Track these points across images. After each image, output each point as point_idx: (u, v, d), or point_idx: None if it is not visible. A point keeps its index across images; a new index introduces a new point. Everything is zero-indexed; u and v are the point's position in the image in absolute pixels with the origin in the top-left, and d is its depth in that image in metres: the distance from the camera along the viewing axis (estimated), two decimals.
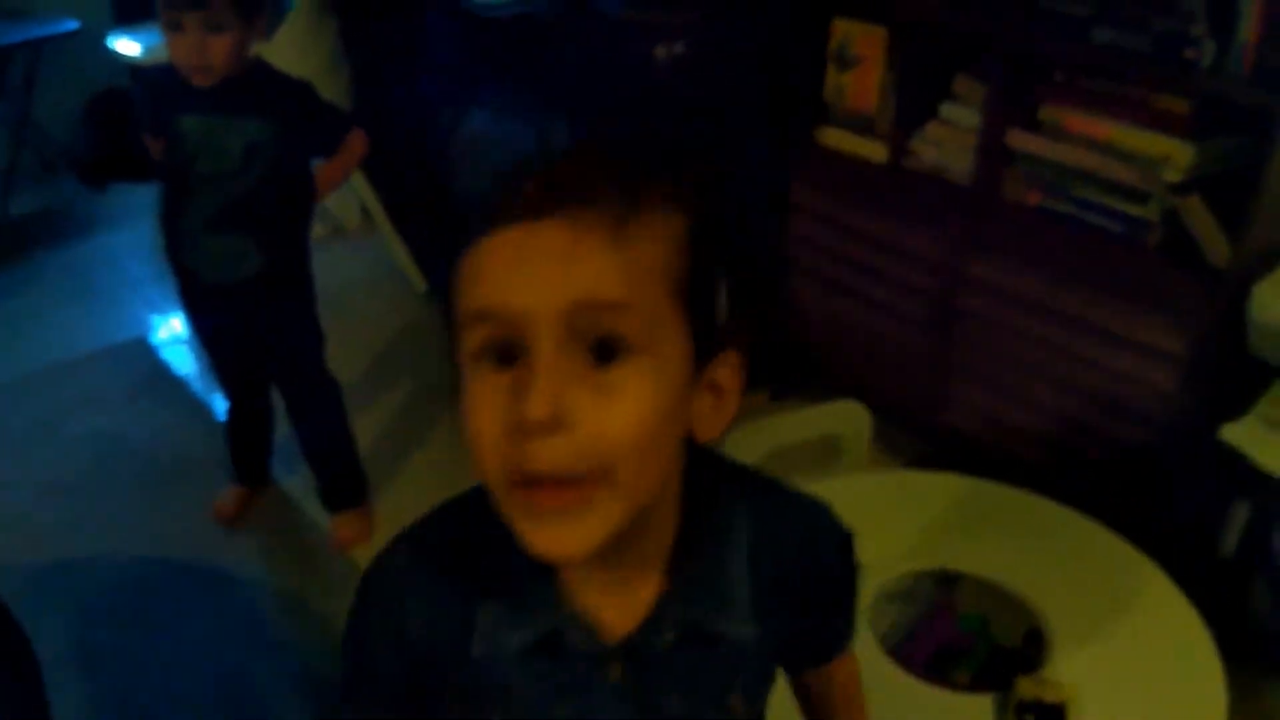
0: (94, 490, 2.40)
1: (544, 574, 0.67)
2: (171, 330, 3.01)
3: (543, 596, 0.68)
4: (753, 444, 1.66)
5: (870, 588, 1.47)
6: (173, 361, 2.87)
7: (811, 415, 1.78)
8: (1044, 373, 2.03)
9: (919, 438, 2.27)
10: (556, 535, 0.60)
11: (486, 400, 0.59)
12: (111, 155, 3.96)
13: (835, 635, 0.85)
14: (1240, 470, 1.54)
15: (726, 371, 0.67)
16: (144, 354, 2.92)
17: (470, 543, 0.69)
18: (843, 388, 1.98)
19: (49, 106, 3.87)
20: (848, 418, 1.76)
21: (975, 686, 1.49)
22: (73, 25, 3.67)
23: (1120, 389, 1.91)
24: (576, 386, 0.58)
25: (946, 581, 1.63)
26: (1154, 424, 1.87)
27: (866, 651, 1.37)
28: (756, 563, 0.72)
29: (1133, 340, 1.86)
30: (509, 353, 0.59)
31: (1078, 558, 1.55)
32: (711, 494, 0.71)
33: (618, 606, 0.69)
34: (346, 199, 3.38)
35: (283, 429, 2.23)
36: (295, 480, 2.31)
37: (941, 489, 1.68)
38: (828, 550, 0.78)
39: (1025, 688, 1.24)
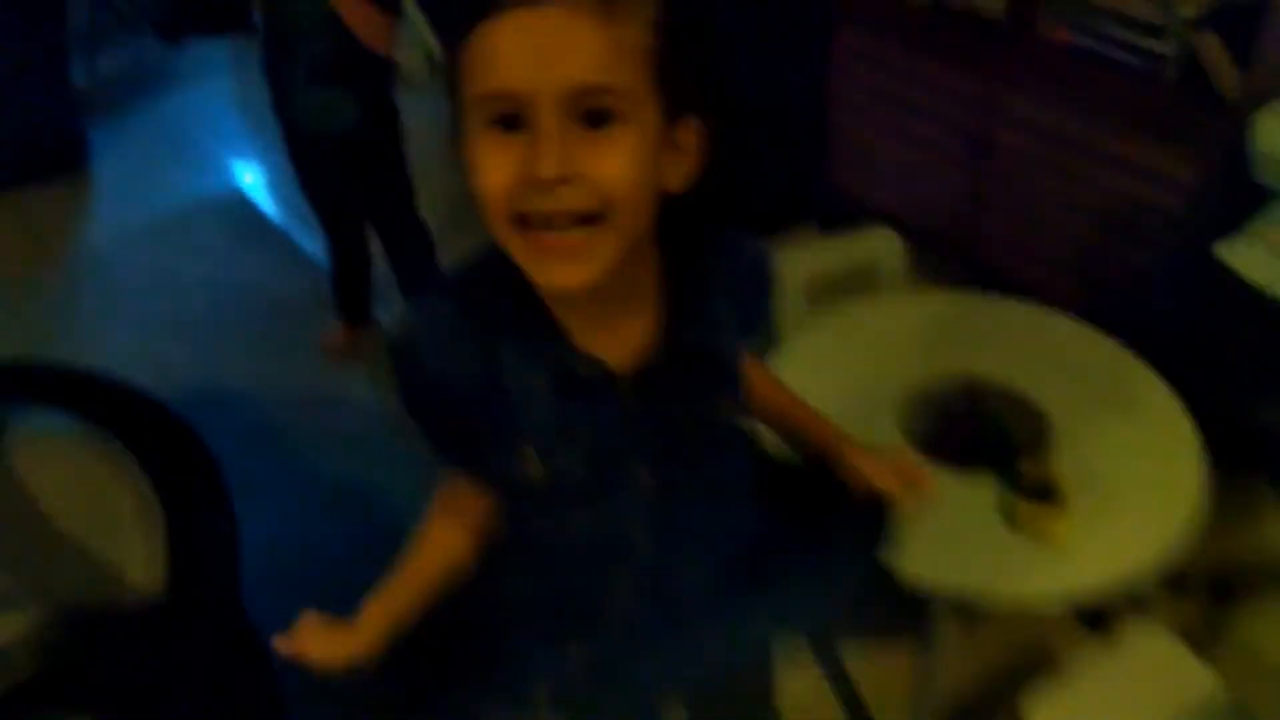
0: (212, 329, 2.72)
1: (551, 320, 0.82)
2: (266, 181, 3.27)
3: (551, 337, 0.82)
4: (796, 269, 1.89)
5: (901, 392, 1.71)
6: (270, 210, 3.14)
7: (849, 243, 1.98)
8: (1067, 201, 2.21)
9: (954, 265, 2.48)
10: (565, 270, 0.74)
11: (497, 160, 0.73)
12: (185, 11, 4.15)
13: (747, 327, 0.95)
14: (1233, 285, 1.74)
15: (688, 134, 0.80)
16: (243, 204, 3.19)
17: (482, 293, 0.82)
18: (883, 220, 2.19)
19: None
20: (883, 245, 1.97)
21: None
22: None
23: (1138, 216, 2.09)
24: (576, 147, 0.71)
25: (971, 389, 1.87)
26: (1164, 246, 2.06)
27: (891, 440, 1.63)
28: (745, 287, 0.91)
29: (1148, 168, 2.04)
30: (514, 122, 0.72)
31: (1088, 369, 1.77)
32: (689, 239, 0.86)
33: (617, 341, 0.84)
34: (413, 53, 3.55)
35: (381, 271, 2.49)
36: (394, 315, 2.59)
37: (969, 308, 1.90)
38: (767, 278, 0.96)
39: (1025, 465, 1.49)
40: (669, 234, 0.84)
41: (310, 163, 2.29)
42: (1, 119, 3.16)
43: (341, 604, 0.98)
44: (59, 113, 3.29)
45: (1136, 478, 1.57)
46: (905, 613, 1.64)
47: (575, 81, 0.71)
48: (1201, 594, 1.87)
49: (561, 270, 0.75)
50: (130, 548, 1.50)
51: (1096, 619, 1.84)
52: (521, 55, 0.70)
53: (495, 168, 0.73)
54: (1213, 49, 1.91)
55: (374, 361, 2.56)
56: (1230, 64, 1.90)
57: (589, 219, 0.73)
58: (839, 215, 2.76)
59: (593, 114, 0.72)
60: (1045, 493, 1.45)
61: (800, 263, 1.91)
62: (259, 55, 2.16)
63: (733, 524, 0.99)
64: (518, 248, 0.75)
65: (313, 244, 2.89)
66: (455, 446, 0.91)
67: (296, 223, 3.03)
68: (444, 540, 1.01)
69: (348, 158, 2.21)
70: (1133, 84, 2.04)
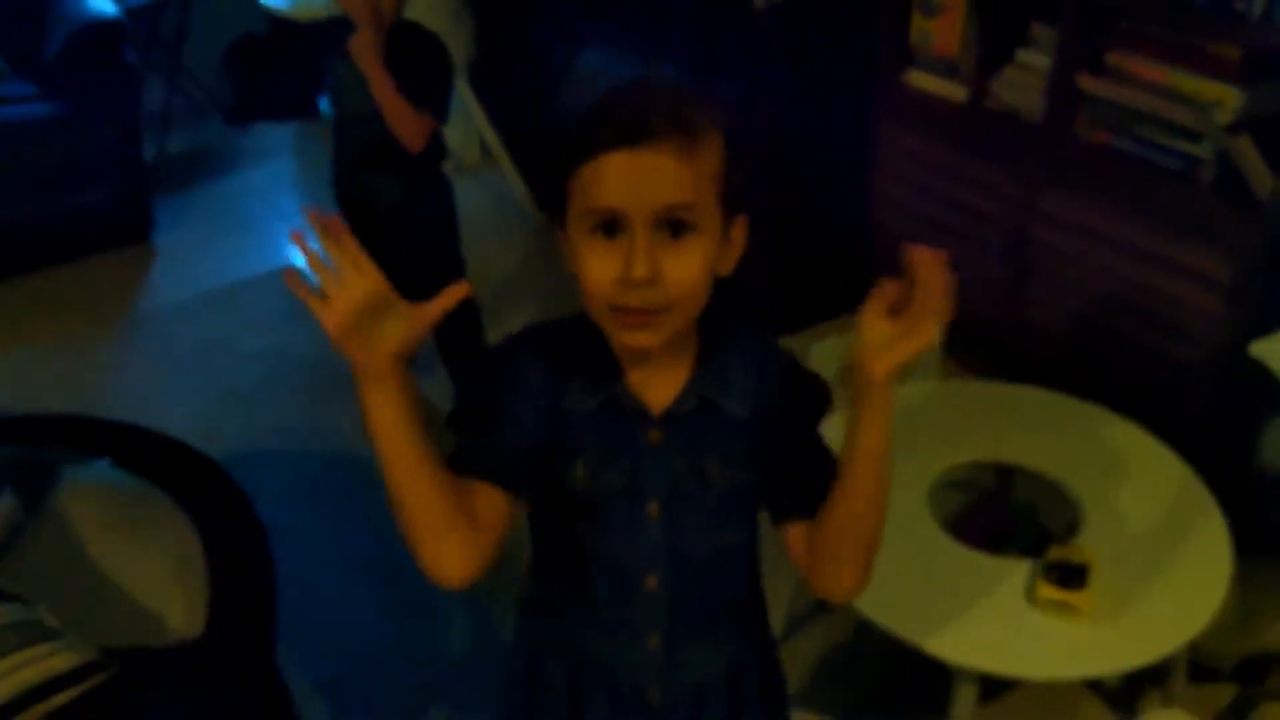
0: (266, 398, 2.79)
1: (613, 365, 1.02)
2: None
3: (609, 377, 1.02)
4: (834, 354, 1.92)
5: (933, 476, 1.73)
6: None
7: None
8: (1106, 297, 2.24)
9: (990, 356, 2.50)
10: (639, 336, 0.95)
11: (600, 261, 0.93)
12: (250, 97, 4.34)
13: (811, 491, 1.02)
14: (1267, 383, 1.76)
15: (738, 229, 0.99)
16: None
17: (565, 342, 1.03)
18: None
19: (197, 53, 4.24)
20: None
21: None
22: None
23: (1172, 311, 2.12)
24: (661, 252, 0.92)
25: (1002, 474, 1.88)
26: (1200, 342, 2.08)
27: (926, 529, 1.64)
28: (752, 370, 1.05)
29: (1184, 267, 2.07)
30: (613, 230, 0.92)
31: (1120, 457, 1.79)
32: (722, 321, 1.04)
33: (659, 389, 1.03)
34: (468, 136, 3.69)
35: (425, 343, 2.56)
36: (434, 381, 2.65)
37: (1003, 395, 1.93)
38: (790, 375, 1.07)
39: (1055, 552, 1.50)
40: (708, 308, 1.01)
41: (359, 237, 2.38)
42: (76, 192, 3.31)
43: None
44: (129, 187, 3.43)
45: (1165, 564, 1.57)
46: (928, 689, 1.64)
47: (664, 202, 0.91)
48: (1229, 680, 1.84)
49: (635, 336, 0.95)
50: (172, 593, 1.54)
51: (1123, 704, 1.81)
52: (624, 181, 0.90)
53: (598, 267, 0.93)
54: (1248, 152, 1.95)
55: None
56: (1264, 167, 1.94)
57: (665, 308, 0.94)
58: None
59: (674, 225, 0.92)
60: (1074, 576, 1.45)
61: (840, 348, 1.95)
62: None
63: (728, 584, 1.11)
64: (608, 321, 0.96)
65: None
66: (499, 457, 1.02)
67: None
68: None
69: (394, 234, 2.32)
70: (1169, 184, 2.09)
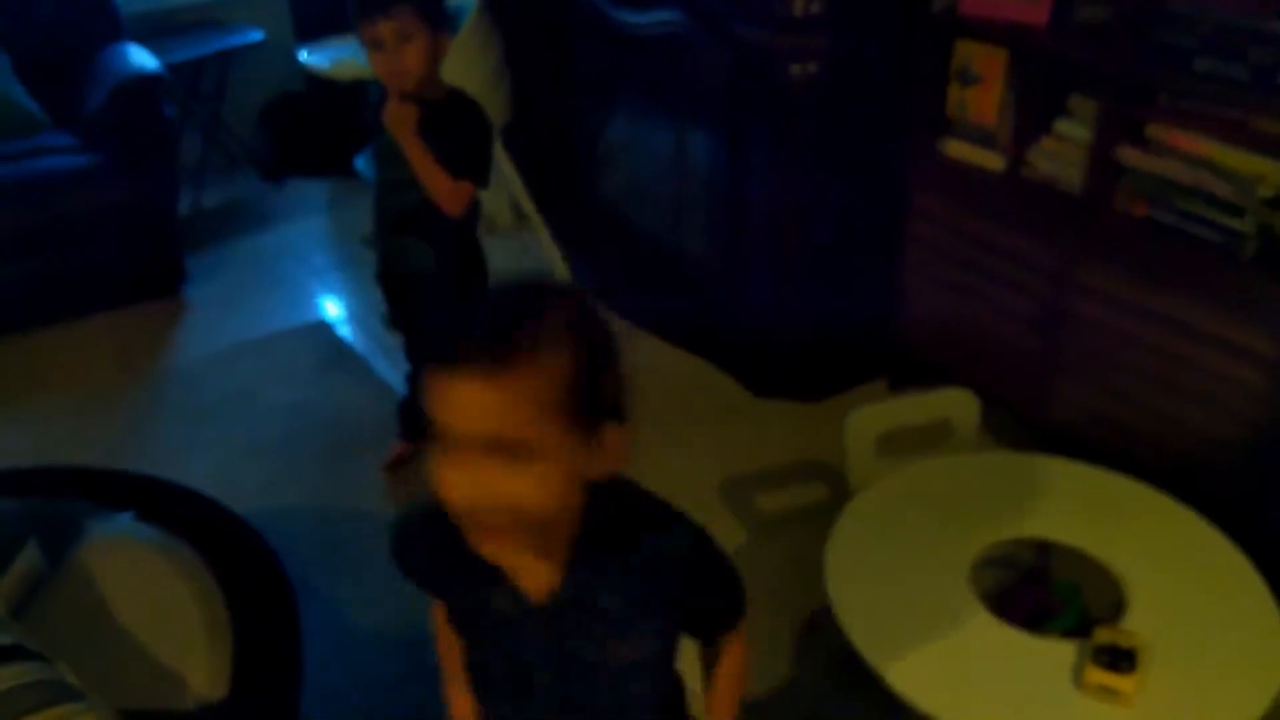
0: (288, 453, 2.78)
1: (486, 563, 1.03)
2: (350, 311, 3.38)
3: (484, 576, 1.05)
4: (870, 425, 1.89)
5: (974, 553, 1.69)
6: (353, 341, 3.24)
7: (924, 400, 1.99)
8: (1144, 371, 2.20)
9: (1025, 428, 2.46)
10: (488, 546, 0.98)
11: (444, 471, 0.93)
12: (286, 154, 4.39)
13: (716, 619, 1.18)
14: None
15: (612, 436, 0.96)
16: (327, 334, 3.29)
17: (445, 532, 1.00)
18: (954, 380, 2.19)
19: (235, 109, 4.31)
20: (958, 404, 1.97)
21: None
22: (258, 36, 4.09)
23: (1215, 388, 2.08)
24: (497, 475, 0.90)
25: (1043, 550, 1.84)
26: (1245, 420, 2.04)
27: (967, 607, 1.60)
28: (628, 558, 1.05)
29: (1226, 341, 2.03)
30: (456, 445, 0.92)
31: (1163, 535, 1.74)
32: (605, 510, 1.03)
33: (535, 579, 1.05)
34: (500, 199, 3.70)
35: None
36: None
37: (1043, 469, 1.89)
38: (683, 565, 1.08)
39: (1103, 634, 1.45)
40: (594, 505, 1.02)
41: (393, 297, 2.42)
42: (109, 243, 3.33)
43: None
44: (162, 241, 3.46)
45: (1216, 647, 1.52)
46: None
47: (479, 429, 0.90)
48: None
49: (484, 546, 0.98)
50: (196, 654, 1.51)
51: None
52: (444, 403, 0.91)
53: (444, 479, 0.93)
54: None
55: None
56: None
57: (509, 526, 0.95)
58: (908, 373, 2.78)
59: (508, 450, 0.90)
60: (1123, 660, 1.40)
61: (874, 417, 1.92)
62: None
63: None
64: (463, 526, 0.96)
65: (390, 372, 2.97)
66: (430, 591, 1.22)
67: (376, 351, 3.12)
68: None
69: (427, 296, 2.35)
70: (1210, 258, 2.06)
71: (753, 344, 2.88)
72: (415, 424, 2.66)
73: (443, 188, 2.15)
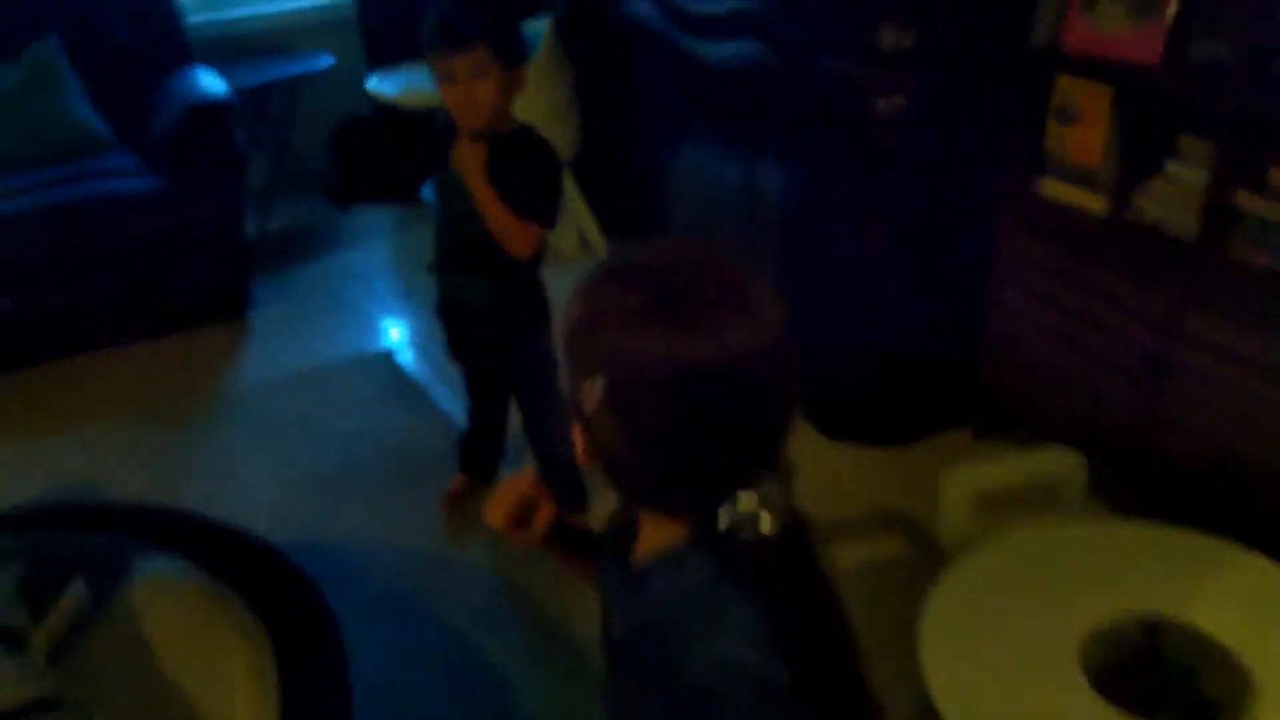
0: (345, 483, 2.70)
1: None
2: (412, 340, 3.32)
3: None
4: (968, 484, 1.76)
5: (1082, 630, 1.55)
6: (415, 371, 3.16)
7: (1028, 460, 1.86)
8: (1259, 428, 2.04)
9: (1129, 483, 2.30)
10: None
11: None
12: (354, 180, 4.36)
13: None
14: None
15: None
16: (389, 363, 3.23)
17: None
18: (1049, 430, 2.05)
19: (303, 134, 4.29)
20: (1064, 465, 1.83)
21: None
22: (328, 62, 4.07)
23: None
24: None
25: (1154, 629, 1.69)
26: None
27: (1075, 688, 1.46)
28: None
29: None
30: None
31: None
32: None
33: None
34: (567, 228, 3.63)
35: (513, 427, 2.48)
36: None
37: (1155, 539, 1.74)
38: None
39: None
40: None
41: (453, 329, 2.37)
42: (174, 267, 3.31)
43: None
44: (227, 264, 3.42)
45: None
46: None
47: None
48: None
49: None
50: (241, 699, 1.43)
51: None
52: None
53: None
54: None
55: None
56: None
57: None
58: (994, 421, 2.63)
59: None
60: None
61: (973, 476, 1.78)
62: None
63: None
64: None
65: (452, 403, 2.89)
66: None
67: (438, 382, 3.05)
68: None
69: (485, 330, 2.28)
70: None
71: (825, 383, 2.75)
72: (475, 459, 2.58)
73: (510, 231, 2.07)
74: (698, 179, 3.14)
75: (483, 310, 2.22)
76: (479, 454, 2.58)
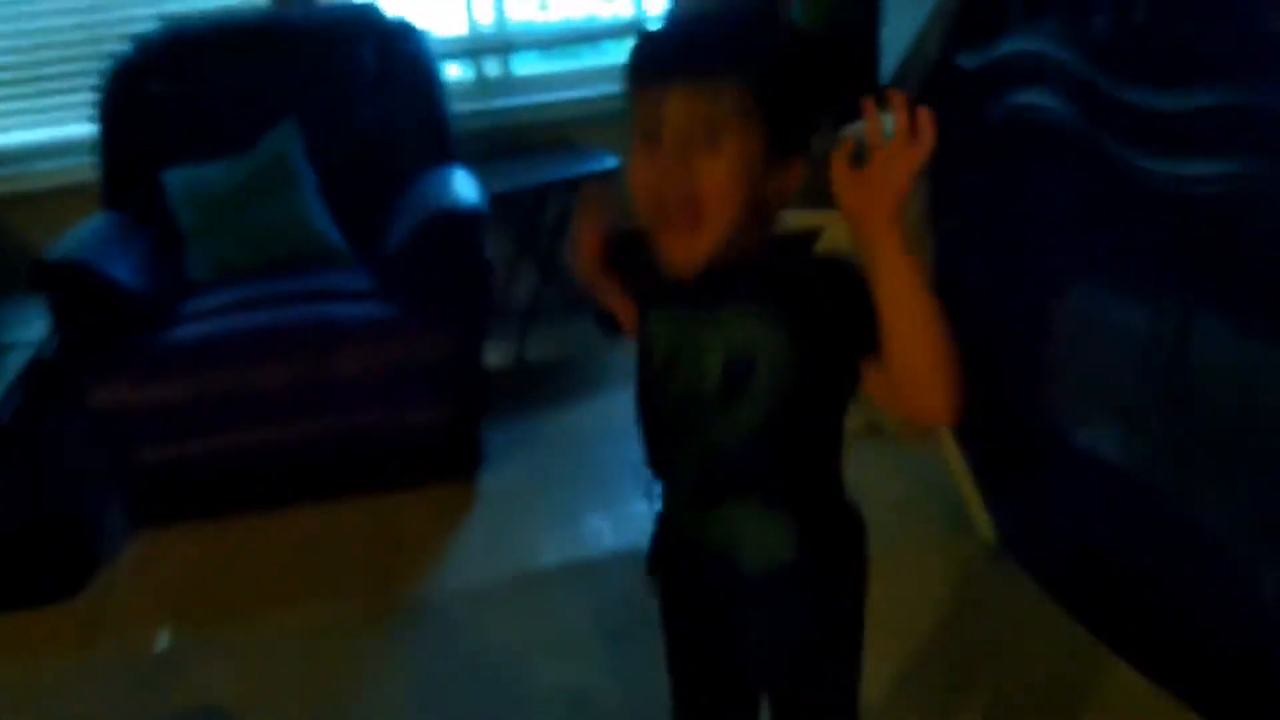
0: None
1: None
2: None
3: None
4: None
5: None
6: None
7: None
8: None
9: None
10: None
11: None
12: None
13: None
14: None
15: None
16: (638, 575, 2.36)
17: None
18: None
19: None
20: None
21: None
22: (613, 163, 3.34)
23: None
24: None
25: None
26: None
27: None
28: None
29: None
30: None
31: None
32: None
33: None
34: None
35: None
36: None
37: None
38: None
39: None
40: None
41: (700, 601, 1.38)
42: (389, 412, 2.64)
43: None
44: (458, 411, 2.71)
45: None
46: None
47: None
48: None
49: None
50: None
51: None
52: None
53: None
54: None
55: None
56: None
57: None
58: None
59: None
60: None
61: None
62: None
63: None
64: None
65: None
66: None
67: None
68: None
69: (778, 602, 1.28)
70: None
71: None
72: None
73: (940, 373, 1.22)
74: (1095, 329, 2.11)
75: (786, 568, 1.23)
76: None
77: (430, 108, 3.12)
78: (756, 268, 1.09)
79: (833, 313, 1.05)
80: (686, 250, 1.05)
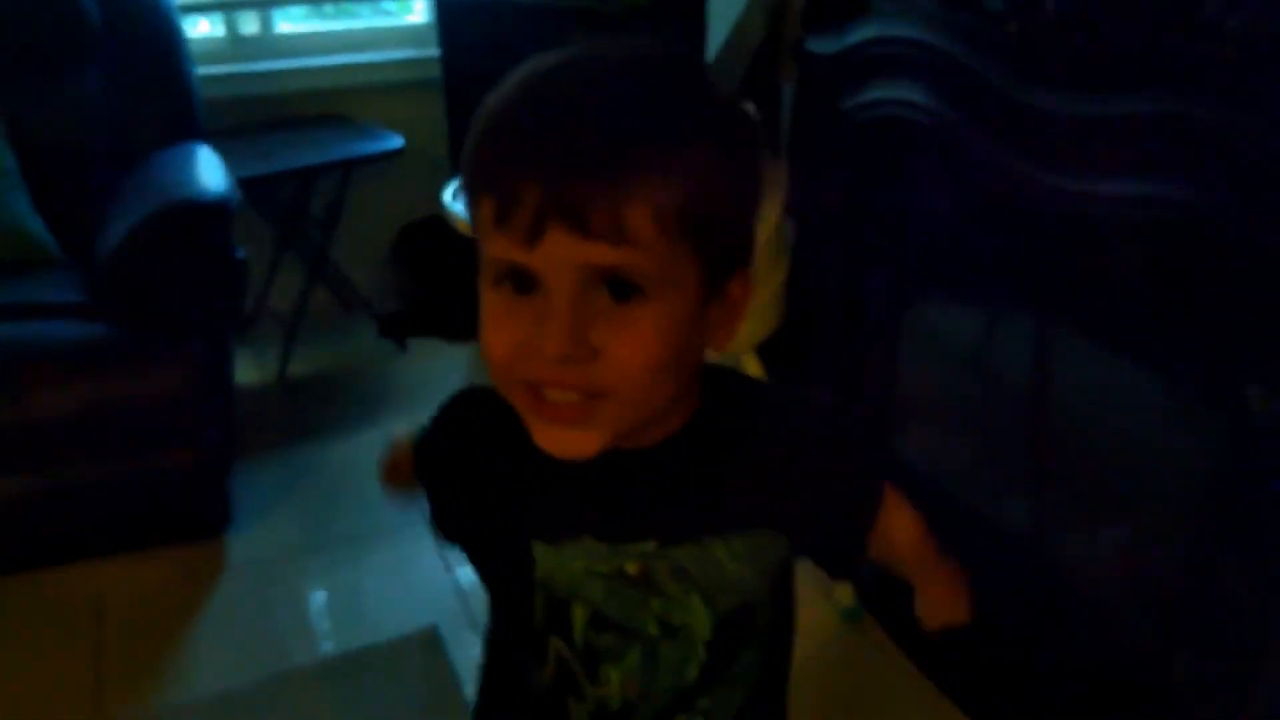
0: None
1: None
2: (479, 611, 2.02)
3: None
4: None
5: None
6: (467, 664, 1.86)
7: None
8: None
9: None
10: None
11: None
12: (418, 304, 3.14)
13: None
14: None
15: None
16: (427, 649, 1.92)
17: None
18: None
19: (355, 240, 3.10)
20: None
21: None
22: (398, 144, 2.85)
23: None
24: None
25: None
26: None
27: None
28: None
29: None
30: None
31: None
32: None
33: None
34: None
35: None
36: None
37: None
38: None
39: None
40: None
41: None
42: (108, 459, 2.08)
43: None
44: (195, 455, 2.14)
45: None
46: None
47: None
48: None
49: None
50: None
51: None
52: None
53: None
54: None
55: None
56: None
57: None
58: None
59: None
60: None
61: None
62: None
63: None
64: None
65: None
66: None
67: None
68: None
69: None
70: None
71: None
72: None
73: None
74: (1001, 388, 1.84)
75: None
76: None
77: (168, 71, 2.54)
78: (707, 444, 0.77)
79: (834, 502, 0.85)
80: (573, 445, 0.71)
